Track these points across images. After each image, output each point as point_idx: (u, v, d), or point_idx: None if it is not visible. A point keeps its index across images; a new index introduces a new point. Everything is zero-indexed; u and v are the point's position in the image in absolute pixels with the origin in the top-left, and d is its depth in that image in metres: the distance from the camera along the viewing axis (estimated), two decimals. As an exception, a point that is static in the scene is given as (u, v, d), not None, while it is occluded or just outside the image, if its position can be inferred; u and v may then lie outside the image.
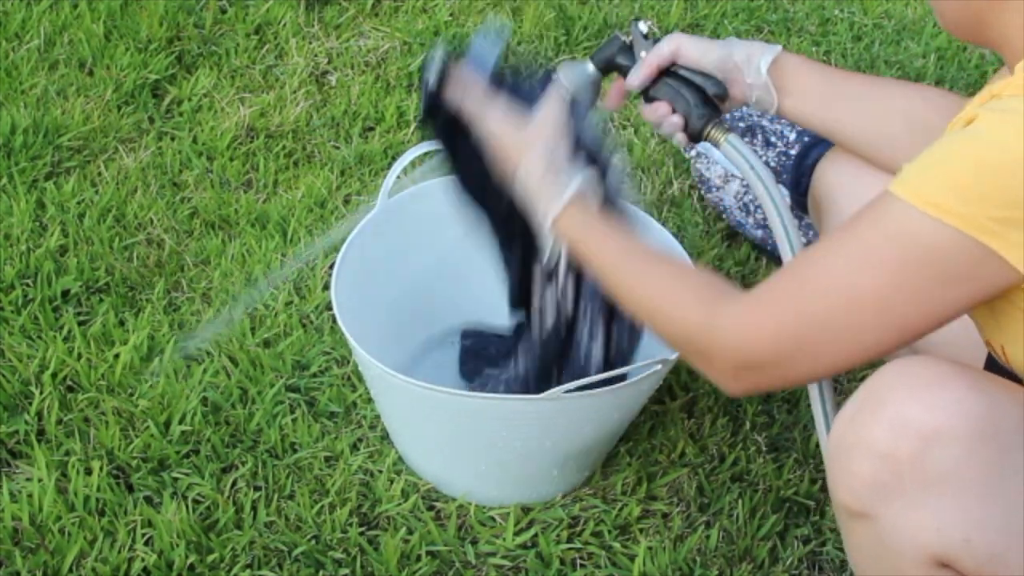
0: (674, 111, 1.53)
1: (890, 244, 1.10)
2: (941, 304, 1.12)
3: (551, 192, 1.40)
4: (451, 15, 2.72)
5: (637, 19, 1.57)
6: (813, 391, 1.39)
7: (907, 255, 1.10)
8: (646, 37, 1.55)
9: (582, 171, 1.43)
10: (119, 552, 1.59)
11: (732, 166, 2.22)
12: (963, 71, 2.64)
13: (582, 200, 1.40)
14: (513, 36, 2.66)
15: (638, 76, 1.54)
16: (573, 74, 1.58)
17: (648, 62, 1.53)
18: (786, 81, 1.53)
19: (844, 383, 1.85)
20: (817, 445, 1.80)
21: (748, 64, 1.52)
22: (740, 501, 1.72)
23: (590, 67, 1.59)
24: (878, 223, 1.12)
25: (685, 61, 1.53)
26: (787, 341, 1.17)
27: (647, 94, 1.56)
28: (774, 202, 1.42)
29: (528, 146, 1.43)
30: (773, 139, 2.30)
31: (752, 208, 2.20)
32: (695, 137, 1.53)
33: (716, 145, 1.50)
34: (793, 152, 2.30)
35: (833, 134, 1.57)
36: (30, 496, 1.64)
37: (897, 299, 1.11)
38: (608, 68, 1.59)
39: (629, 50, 1.57)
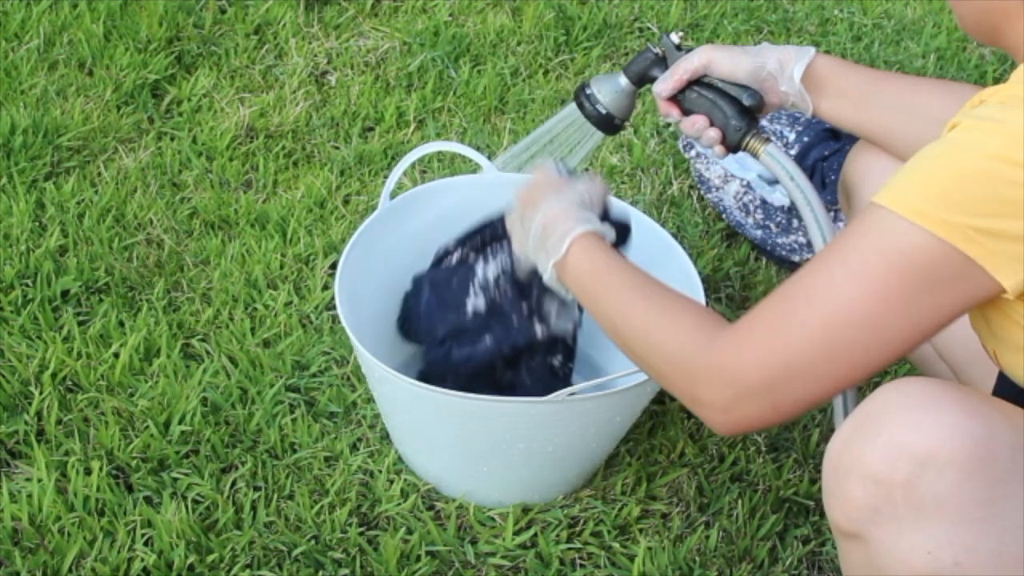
0: (712, 124, 1.53)
1: (873, 253, 1.11)
2: (926, 312, 1.11)
3: (570, 224, 1.41)
4: (451, 15, 2.72)
5: (668, 32, 1.59)
6: (837, 397, 1.39)
7: (889, 262, 1.10)
8: (679, 48, 1.57)
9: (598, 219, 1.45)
10: (119, 552, 1.59)
11: (738, 169, 2.22)
12: (963, 71, 2.64)
13: (595, 238, 1.41)
14: (513, 36, 2.66)
15: (667, 84, 1.55)
16: (606, 87, 1.60)
17: (678, 69, 1.54)
18: (822, 85, 1.52)
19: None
20: (817, 445, 1.80)
21: (781, 73, 1.52)
22: (740, 501, 1.72)
23: (623, 79, 1.61)
24: (861, 235, 1.12)
25: (718, 74, 1.54)
26: (775, 366, 1.15)
27: (684, 107, 1.56)
28: (814, 213, 1.44)
29: (555, 189, 1.47)
30: (772, 139, 2.30)
31: (751, 208, 2.20)
32: (733, 148, 1.54)
33: (755, 156, 1.51)
34: (793, 152, 2.30)
35: (872, 137, 1.56)
36: (30, 496, 1.64)
37: (881, 310, 1.11)
38: (641, 81, 1.61)
39: (662, 62, 1.59)
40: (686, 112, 1.56)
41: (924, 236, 1.08)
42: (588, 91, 1.61)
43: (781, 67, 1.52)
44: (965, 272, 1.08)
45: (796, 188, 1.46)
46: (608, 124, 1.62)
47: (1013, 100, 1.08)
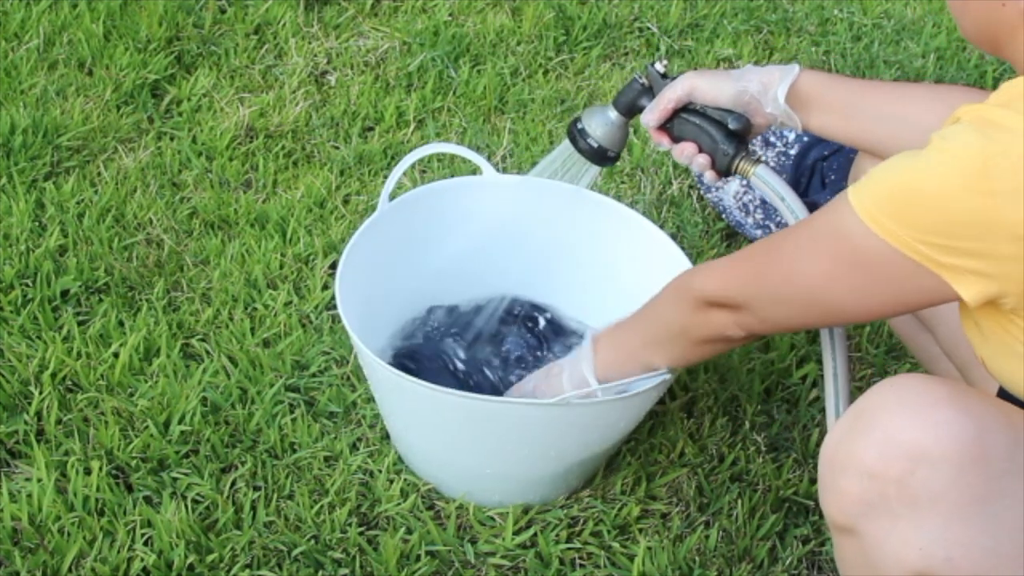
0: (701, 150, 1.54)
1: (831, 240, 1.19)
2: (876, 300, 1.20)
3: (576, 366, 1.56)
4: (450, 15, 2.72)
5: (653, 62, 1.60)
6: (828, 387, 1.41)
7: (843, 253, 1.18)
8: (664, 77, 1.58)
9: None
10: (118, 552, 1.59)
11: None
12: (962, 71, 2.64)
13: (591, 347, 1.55)
14: (513, 36, 2.66)
15: (653, 114, 1.57)
16: (597, 120, 1.61)
17: (662, 99, 1.56)
18: (808, 102, 1.52)
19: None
20: (817, 444, 1.80)
21: (765, 94, 1.52)
22: (739, 501, 1.72)
23: (612, 112, 1.63)
24: (828, 220, 1.20)
25: (701, 100, 1.54)
26: (741, 292, 1.31)
27: (673, 135, 1.57)
28: None
29: (539, 381, 1.63)
30: (772, 139, 2.31)
31: (751, 208, 2.20)
32: (724, 172, 1.54)
33: (745, 177, 1.52)
34: (792, 152, 2.30)
35: (864, 148, 1.56)
36: (29, 496, 1.64)
37: (833, 287, 1.21)
38: (630, 111, 1.63)
39: (649, 92, 1.60)
40: (676, 140, 1.56)
41: (876, 240, 1.13)
42: (579, 126, 1.63)
43: (764, 89, 1.52)
44: (917, 276, 1.13)
45: (787, 209, 1.47)
46: (601, 157, 1.64)
47: (981, 123, 1.09)
